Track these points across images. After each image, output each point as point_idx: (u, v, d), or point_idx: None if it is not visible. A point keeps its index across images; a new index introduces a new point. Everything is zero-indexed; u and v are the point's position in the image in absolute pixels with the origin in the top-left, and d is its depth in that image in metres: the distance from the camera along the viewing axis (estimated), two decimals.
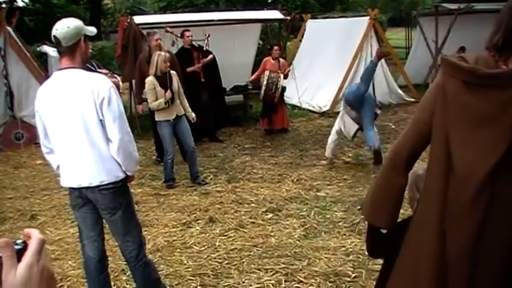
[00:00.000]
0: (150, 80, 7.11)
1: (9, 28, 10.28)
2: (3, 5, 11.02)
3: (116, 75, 8.73)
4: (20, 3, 28.86)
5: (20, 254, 0.98)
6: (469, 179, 2.02)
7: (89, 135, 3.41)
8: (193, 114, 7.38)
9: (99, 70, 8.45)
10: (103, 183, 3.51)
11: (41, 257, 1.00)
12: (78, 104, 3.36)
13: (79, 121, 3.38)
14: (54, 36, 3.42)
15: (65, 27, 3.43)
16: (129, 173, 3.65)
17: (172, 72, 7.26)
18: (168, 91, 7.05)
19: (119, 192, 3.61)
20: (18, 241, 1.01)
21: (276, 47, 10.59)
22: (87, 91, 3.35)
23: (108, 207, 3.61)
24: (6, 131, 10.04)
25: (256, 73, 10.49)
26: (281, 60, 10.47)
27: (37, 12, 28.63)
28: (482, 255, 2.03)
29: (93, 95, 3.34)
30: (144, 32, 10.13)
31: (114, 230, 3.78)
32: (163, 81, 7.06)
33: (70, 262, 5.11)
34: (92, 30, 3.60)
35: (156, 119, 7.34)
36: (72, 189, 3.63)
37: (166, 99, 7.02)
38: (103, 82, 3.44)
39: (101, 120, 3.40)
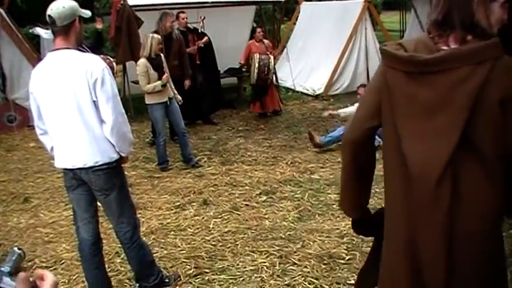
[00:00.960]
0: (142, 63, 7.06)
1: (1, 10, 10.19)
2: None
3: (109, 57, 8.71)
4: None
5: None
6: (426, 174, 1.94)
7: (82, 116, 3.40)
8: (180, 97, 7.42)
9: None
10: (97, 164, 3.50)
11: None
12: (72, 85, 3.35)
13: (72, 102, 3.37)
14: (49, 15, 3.40)
15: (60, 6, 3.41)
16: (123, 154, 3.64)
17: (161, 55, 7.28)
18: (166, 74, 7.05)
19: (113, 173, 3.61)
20: (31, 279, 1.03)
21: (258, 29, 10.56)
22: (80, 72, 3.33)
23: (103, 188, 3.60)
24: None
25: (243, 57, 10.42)
26: (265, 41, 10.40)
27: None
28: (455, 250, 1.97)
29: (86, 76, 3.33)
30: (138, 14, 10.08)
31: (109, 211, 3.78)
32: (157, 63, 7.05)
33: (64, 245, 5.11)
34: (86, 12, 3.58)
35: (148, 102, 7.30)
36: (66, 170, 3.62)
37: (163, 82, 7.02)
38: (97, 63, 3.42)
39: (94, 101, 3.38)
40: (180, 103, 7.37)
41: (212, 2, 10.87)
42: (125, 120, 3.56)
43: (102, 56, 8.94)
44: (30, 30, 14.52)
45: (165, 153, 7.47)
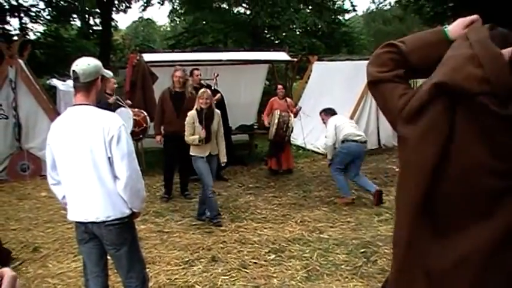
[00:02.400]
0: (191, 114, 7.34)
1: (20, 61, 10.46)
2: (16, 38, 11.16)
3: (142, 111, 9.01)
4: (32, 36, 29.28)
5: None
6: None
7: (97, 171, 3.47)
8: (225, 159, 7.46)
9: (124, 104, 8.82)
10: (109, 219, 3.55)
11: None
12: (88, 140, 3.44)
13: (88, 157, 3.45)
14: (74, 71, 3.53)
15: (85, 63, 3.54)
16: (135, 210, 3.69)
17: (217, 111, 7.39)
18: (203, 130, 7.19)
19: (124, 228, 3.65)
20: None
21: (280, 86, 10.75)
22: (97, 128, 3.43)
23: (114, 243, 3.65)
24: (13, 162, 10.13)
25: (265, 113, 10.59)
26: (288, 99, 10.61)
27: (48, 45, 28.96)
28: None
29: (103, 133, 3.42)
30: (153, 69, 10.31)
31: (119, 265, 3.82)
32: (201, 118, 7.22)
33: None
34: (109, 73, 3.73)
35: (191, 153, 7.42)
36: (78, 223, 3.68)
37: (200, 137, 7.17)
38: (114, 120, 3.51)
39: (109, 158, 3.46)
40: (222, 164, 7.43)
41: (226, 60, 11.11)
42: (138, 177, 3.62)
43: (136, 110, 9.29)
44: (48, 82, 14.79)
45: (216, 205, 7.44)
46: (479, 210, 1.81)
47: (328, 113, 8.94)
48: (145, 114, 9.47)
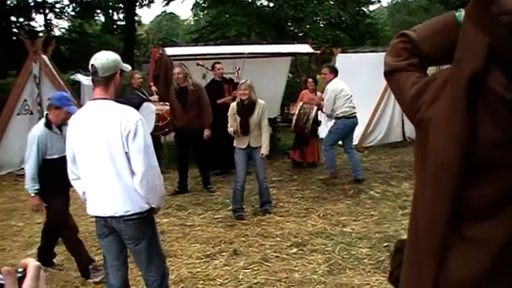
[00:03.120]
0: (232, 105, 7.44)
1: (44, 56, 10.55)
2: (41, 34, 11.27)
3: (167, 104, 9.05)
4: (56, 32, 29.59)
5: (20, 282, 1.06)
6: None
7: (115, 166, 3.47)
8: (265, 151, 7.35)
9: (150, 98, 8.85)
10: (128, 214, 3.55)
11: (39, 282, 1.09)
12: (106, 135, 3.43)
13: (106, 152, 3.45)
14: (92, 65, 3.53)
15: (104, 58, 3.55)
16: (153, 205, 3.68)
17: (260, 102, 7.35)
18: (235, 123, 7.30)
19: (143, 222, 3.64)
20: (19, 269, 1.08)
21: (310, 80, 10.69)
22: (115, 123, 3.42)
23: (133, 238, 3.65)
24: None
25: (294, 105, 10.59)
26: (318, 93, 10.53)
27: (72, 41, 29.24)
28: None
29: (120, 127, 3.41)
30: (176, 63, 10.31)
31: (138, 259, 3.82)
32: (239, 109, 7.29)
33: None
34: (127, 66, 3.72)
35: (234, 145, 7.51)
36: (97, 218, 3.69)
37: (234, 129, 7.26)
38: (131, 115, 3.49)
39: (126, 153, 3.45)
40: (262, 156, 7.36)
41: (248, 53, 11.05)
42: (155, 173, 3.57)
43: (161, 103, 9.33)
44: (72, 77, 14.93)
45: (240, 199, 7.46)
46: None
47: (333, 72, 9.20)
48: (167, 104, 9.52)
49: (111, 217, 3.58)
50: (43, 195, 5.22)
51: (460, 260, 1.80)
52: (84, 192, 3.76)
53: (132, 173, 3.49)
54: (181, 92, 8.63)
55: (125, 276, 3.90)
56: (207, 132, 8.75)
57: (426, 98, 1.85)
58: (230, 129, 7.32)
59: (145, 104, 9.17)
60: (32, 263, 1.11)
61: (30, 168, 5.08)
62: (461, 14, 1.86)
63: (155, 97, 9.61)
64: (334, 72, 9.07)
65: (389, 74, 2.03)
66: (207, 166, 9.07)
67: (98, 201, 3.61)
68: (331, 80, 9.00)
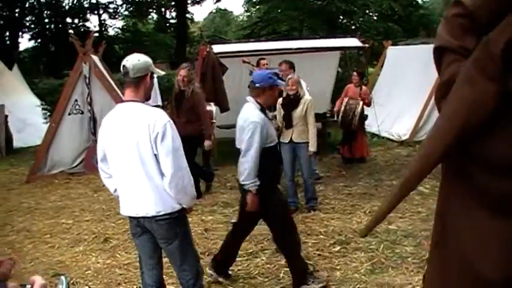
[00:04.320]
0: (279, 100, 7.33)
1: (94, 57, 10.77)
2: (92, 34, 11.52)
3: (210, 103, 8.92)
4: (110, 32, 30.24)
5: None
6: None
7: (145, 167, 3.51)
8: (312, 148, 7.30)
9: None
10: (159, 214, 3.58)
11: None
12: (135, 137, 3.47)
13: (135, 153, 3.49)
14: (124, 65, 3.59)
15: (135, 59, 3.61)
16: (184, 206, 3.69)
17: (307, 98, 7.33)
18: (276, 119, 7.32)
19: (175, 222, 3.67)
20: (27, 286, 1.09)
21: (354, 74, 10.53)
22: (144, 125, 3.45)
23: (165, 237, 3.68)
24: (89, 155, 10.44)
25: (339, 101, 10.44)
26: (363, 87, 10.38)
27: (126, 40, 29.85)
28: None
29: (148, 130, 3.44)
30: (223, 60, 10.34)
31: (171, 259, 3.86)
32: (283, 103, 7.33)
33: (134, 287, 5.21)
34: (159, 72, 3.76)
35: None
36: (130, 218, 3.73)
37: (276, 124, 7.16)
38: (160, 117, 3.52)
39: (155, 154, 3.48)
40: (309, 153, 7.33)
41: (296, 48, 10.99)
42: (185, 174, 3.59)
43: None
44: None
45: (293, 194, 7.51)
46: None
47: (292, 67, 8.31)
48: (213, 108, 9.40)
49: (143, 217, 3.62)
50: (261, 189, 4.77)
51: None
52: (115, 190, 3.83)
53: (162, 174, 3.52)
54: (180, 96, 8.27)
55: (160, 275, 3.95)
56: (207, 143, 8.37)
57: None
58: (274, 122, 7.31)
59: None
60: (39, 280, 1.13)
61: (252, 160, 4.65)
62: None
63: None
64: (293, 67, 8.36)
65: (439, 50, 1.86)
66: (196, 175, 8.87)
67: (129, 201, 3.67)
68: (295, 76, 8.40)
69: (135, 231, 3.78)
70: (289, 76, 7.45)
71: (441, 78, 1.82)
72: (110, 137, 3.62)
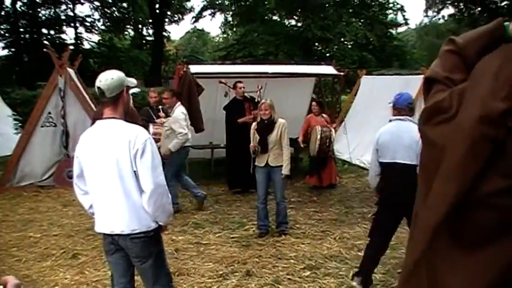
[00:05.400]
0: (253, 124, 7.57)
1: (70, 70, 10.72)
2: (69, 47, 11.47)
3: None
4: (86, 46, 30.10)
5: None
6: None
7: (123, 184, 3.49)
8: (285, 171, 7.32)
9: (158, 118, 8.55)
10: (134, 232, 3.57)
11: None
12: (114, 154, 3.46)
13: (114, 170, 3.48)
14: (98, 87, 3.54)
15: (108, 78, 3.56)
16: (161, 224, 3.68)
17: (281, 122, 7.38)
18: (251, 143, 7.44)
19: (150, 241, 3.65)
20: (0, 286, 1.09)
21: (313, 103, 10.71)
22: (124, 141, 3.45)
23: (139, 256, 3.66)
24: (60, 168, 10.36)
25: (301, 131, 10.53)
26: (324, 115, 10.53)
27: (102, 55, 29.71)
28: None
29: (128, 146, 3.44)
30: (199, 81, 10.36)
31: (144, 278, 3.84)
32: (258, 128, 7.43)
33: None
34: (132, 81, 3.74)
35: None
36: (105, 235, 3.71)
37: (252, 148, 7.38)
38: (140, 134, 3.51)
39: (135, 171, 3.47)
40: (282, 176, 7.36)
41: (272, 73, 11.08)
42: (164, 191, 3.59)
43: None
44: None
45: (263, 218, 7.51)
46: None
47: (175, 95, 8.78)
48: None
49: (118, 235, 3.60)
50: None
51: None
52: (90, 206, 3.79)
53: (140, 191, 3.51)
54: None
55: None
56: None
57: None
58: (250, 147, 7.42)
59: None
60: (12, 280, 1.12)
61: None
62: (509, 25, 1.81)
63: (161, 120, 9.05)
64: (176, 95, 8.64)
65: (428, 79, 1.99)
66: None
67: (105, 218, 3.64)
68: (175, 104, 8.60)
69: (109, 248, 3.75)
70: (262, 101, 7.53)
71: (426, 104, 1.92)
72: (89, 153, 3.59)
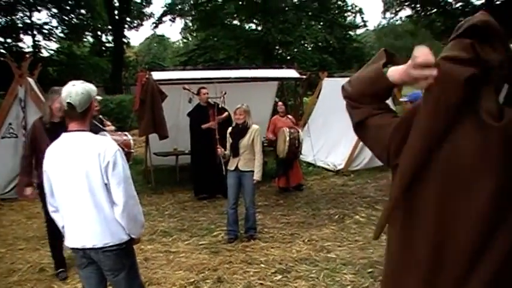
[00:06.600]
0: (229, 129, 7.67)
1: (30, 79, 10.52)
2: (27, 55, 11.25)
3: (126, 133, 8.68)
4: (44, 54, 29.61)
5: None
6: None
7: (94, 198, 3.44)
8: (257, 176, 7.32)
9: (103, 125, 8.28)
10: (107, 245, 3.52)
11: None
12: (84, 167, 3.41)
13: (84, 183, 3.42)
14: (69, 103, 3.45)
15: (79, 93, 3.46)
16: (133, 236, 3.65)
17: (254, 127, 7.45)
18: (218, 148, 7.61)
19: (122, 253, 3.61)
20: None
21: (280, 103, 10.77)
22: (93, 154, 3.40)
23: (112, 269, 3.62)
24: (22, 180, 10.13)
25: (269, 131, 10.57)
26: (289, 116, 10.62)
27: (61, 63, 29.28)
28: None
29: (99, 159, 3.39)
30: (162, 87, 10.31)
31: None
32: (232, 131, 7.56)
33: None
34: (95, 90, 3.68)
35: None
36: (76, 249, 3.65)
37: (222, 152, 7.52)
38: (109, 146, 3.47)
39: (105, 184, 3.43)
40: (253, 182, 7.34)
41: (235, 78, 11.10)
42: (135, 203, 3.57)
43: (120, 132, 8.91)
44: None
45: (233, 223, 7.49)
46: None
47: None
48: (129, 138, 9.12)
49: (90, 249, 3.55)
50: None
51: None
52: (63, 226, 3.71)
53: (111, 204, 3.47)
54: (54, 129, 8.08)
55: None
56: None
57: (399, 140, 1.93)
58: (219, 150, 7.54)
59: (100, 134, 8.66)
60: None
61: None
62: (387, 70, 1.96)
63: (111, 127, 8.87)
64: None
65: (359, 124, 2.13)
66: None
67: (76, 233, 3.57)
68: None
69: (81, 262, 3.69)
70: (238, 106, 7.56)
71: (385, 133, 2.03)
72: (57, 167, 3.52)
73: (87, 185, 3.42)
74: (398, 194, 1.97)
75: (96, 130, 8.30)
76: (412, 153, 1.89)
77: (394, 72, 1.92)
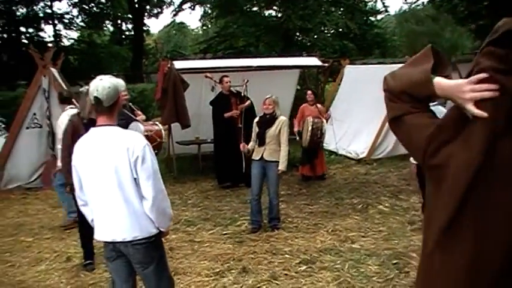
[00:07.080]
0: (256, 119, 7.68)
1: (54, 70, 10.60)
2: (50, 46, 11.33)
3: (156, 123, 8.74)
4: (65, 43, 29.80)
5: None
6: None
7: (123, 192, 3.46)
8: (282, 167, 7.34)
9: (135, 114, 8.28)
10: (136, 239, 3.55)
11: None
12: (113, 162, 3.43)
13: (113, 178, 3.44)
14: (96, 97, 3.48)
15: (105, 87, 3.49)
16: (162, 229, 3.68)
17: (282, 118, 7.45)
18: (244, 145, 7.53)
19: (151, 247, 3.64)
20: None
21: (309, 92, 10.67)
22: (122, 149, 3.42)
23: (141, 262, 3.65)
24: (47, 169, 10.25)
25: (296, 120, 10.53)
26: (318, 105, 10.53)
27: (81, 51, 29.44)
28: None
29: (128, 153, 3.41)
30: (184, 76, 10.31)
31: (147, 283, 3.81)
32: (259, 121, 7.56)
33: None
34: (123, 84, 3.70)
35: None
36: (106, 242, 3.68)
37: (245, 149, 7.53)
38: (138, 141, 3.49)
39: (135, 178, 3.45)
40: (278, 172, 7.36)
41: (256, 66, 11.06)
42: (164, 196, 3.59)
43: (151, 122, 8.96)
44: (80, 90, 14.94)
45: (256, 213, 7.52)
46: None
47: None
48: (160, 127, 9.24)
49: (120, 242, 3.58)
50: None
51: None
52: (92, 220, 3.75)
53: (140, 198, 3.50)
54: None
55: None
56: None
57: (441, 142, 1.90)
58: (242, 146, 7.53)
59: (133, 124, 8.70)
60: None
61: None
62: (434, 77, 1.96)
63: (142, 116, 8.88)
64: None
65: (395, 119, 2.11)
66: None
67: (106, 226, 3.61)
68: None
69: (110, 255, 3.72)
70: (267, 96, 7.54)
71: (422, 135, 2.00)
72: (86, 163, 3.55)
73: (116, 180, 3.44)
74: (455, 201, 1.89)
75: (127, 119, 8.39)
76: (471, 157, 1.84)
77: (441, 85, 1.93)
